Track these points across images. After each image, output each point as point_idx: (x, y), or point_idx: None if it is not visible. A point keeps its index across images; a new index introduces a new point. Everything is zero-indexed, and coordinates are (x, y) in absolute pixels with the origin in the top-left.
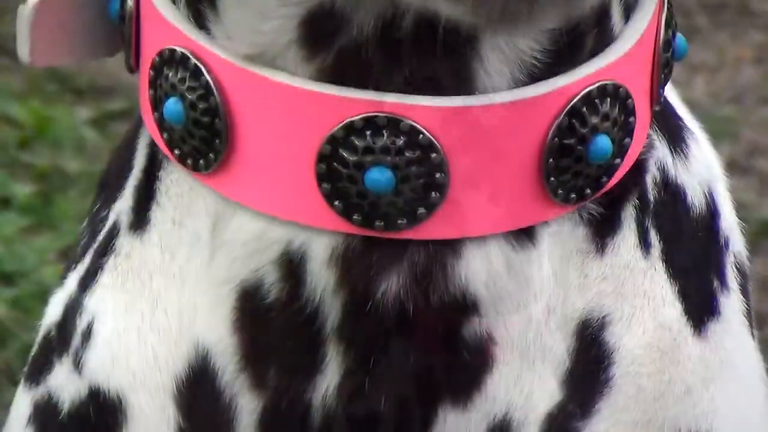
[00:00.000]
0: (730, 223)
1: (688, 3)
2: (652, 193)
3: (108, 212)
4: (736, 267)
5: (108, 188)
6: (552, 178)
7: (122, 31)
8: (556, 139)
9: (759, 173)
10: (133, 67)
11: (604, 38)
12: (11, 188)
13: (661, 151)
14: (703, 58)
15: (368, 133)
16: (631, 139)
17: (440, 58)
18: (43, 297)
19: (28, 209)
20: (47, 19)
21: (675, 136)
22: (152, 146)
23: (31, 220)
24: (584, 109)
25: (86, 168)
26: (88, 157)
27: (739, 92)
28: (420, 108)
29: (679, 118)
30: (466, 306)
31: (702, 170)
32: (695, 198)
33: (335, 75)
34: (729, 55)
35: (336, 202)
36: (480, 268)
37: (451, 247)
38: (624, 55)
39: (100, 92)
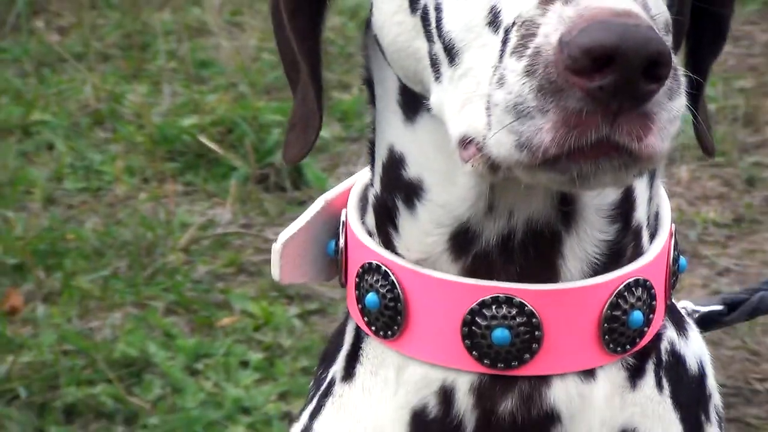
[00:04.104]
0: (713, 383)
1: None
2: (664, 356)
3: (327, 373)
4: (716, 412)
5: (326, 359)
6: (606, 337)
7: (337, 261)
8: (609, 311)
9: None
10: (343, 282)
11: (637, 250)
12: (249, 356)
13: (671, 331)
14: None
15: (494, 307)
16: (654, 315)
17: (537, 259)
18: (268, 423)
19: (260, 368)
20: (290, 252)
21: (680, 324)
22: (357, 329)
23: (261, 375)
24: (626, 293)
25: (296, 344)
26: (295, 338)
27: None
28: (525, 291)
29: (682, 314)
30: (553, 417)
31: (696, 348)
32: (692, 364)
33: (472, 271)
34: None
35: (474, 352)
36: (562, 394)
37: (545, 380)
38: (650, 262)
39: (303, 297)
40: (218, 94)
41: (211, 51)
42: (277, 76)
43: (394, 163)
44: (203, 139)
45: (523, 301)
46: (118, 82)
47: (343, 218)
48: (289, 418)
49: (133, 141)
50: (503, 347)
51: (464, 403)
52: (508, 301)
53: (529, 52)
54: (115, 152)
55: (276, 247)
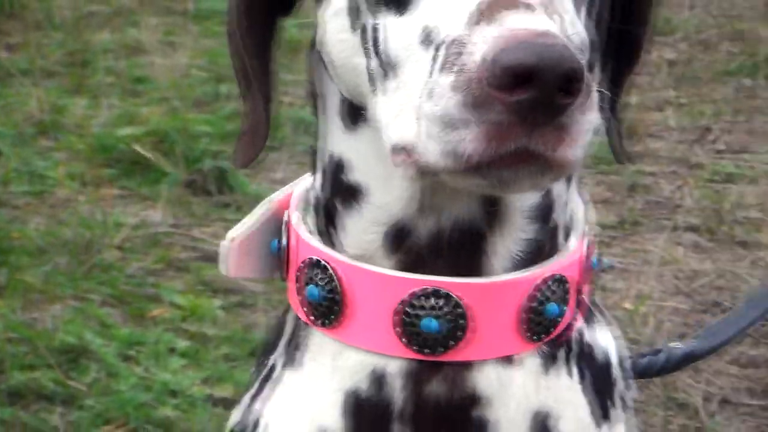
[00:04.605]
0: (618, 372)
1: None
2: (575, 346)
3: (268, 360)
4: (620, 396)
5: (268, 347)
6: (525, 327)
7: (279, 257)
8: (528, 303)
9: None
10: (284, 277)
11: (555, 248)
12: (176, 343)
13: (581, 323)
14: None
15: (423, 298)
16: (567, 308)
17: (464, 255)
18: (193, 404)
19: (186, 355)
20: (238, 249)
21: (590, 317)
22: (296, 319)
23: (187, 361)
24: (543, 287)
25: (219, 333)
26: (219, 327)
27: None
28: (452, 284)
29: (593, 308)
30: (475, 399)
31: (603, 339)
32: (599, 353)
33: (406, 265)
34: None
35: (404, 340)
36: (484, 378)
37: (468, 365)
38: (565, 259)
39: (226, 291)
40: (152, 107)
41: (146, 68)
42: (206, 90)
43: (335, 169)
44: (138, 148)
45: (450, 293)
46: (61, 95)
47: (286, 219)
48: (213, 400)
49: (75, 149)
50: (431, 335)
51: (394, 385)
52: (437, 293)
53: (456, 68)
54: (58, 159)
55: (225, 245)
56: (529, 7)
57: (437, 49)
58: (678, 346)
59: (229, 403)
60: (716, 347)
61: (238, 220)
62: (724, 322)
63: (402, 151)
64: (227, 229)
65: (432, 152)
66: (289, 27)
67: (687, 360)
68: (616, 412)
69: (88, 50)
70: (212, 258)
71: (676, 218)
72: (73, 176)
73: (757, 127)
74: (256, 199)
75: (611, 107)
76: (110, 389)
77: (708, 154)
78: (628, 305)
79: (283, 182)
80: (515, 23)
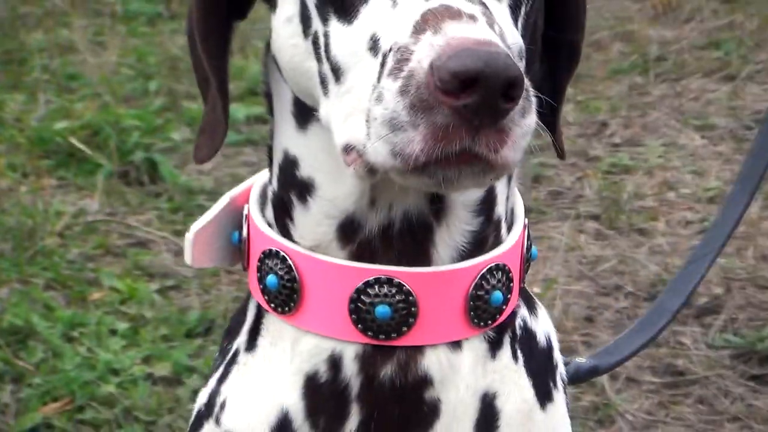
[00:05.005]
0: (558, 355)
1: None
2: (519, 331)
3: (232, 345)
4: (561, 378)
5: (230, 333)
6: (472, 313)
7: (240, 248)
8: (474, 291)
9: None
10: (245, 266)
11: (497, 239)
12: (116, 325)
13: (524, 310)
14: None
15: (377, 286)
16: (511, 295)
17: (413, 246)
18: (134, 382)
19: (126, 336)
20: (200, 241)
21: (531, 305)
22: (258, 307)
23: (127, 341)
24: (488, 276)
25: (156, 315)
26: (156, 310)
27: None
28: (403, 273)
29: (533, 297)
30: (426, 381)
31: (544, 325)
32: (541, 338)
33: (358, 256)
34: None
35: (359, 326)
36: (434, 362)
37: (419, 349)
38: (507, 250)
39: (161, 275)
40: (85, 102)
41: (78, 66)
42: (134, 87)
43: (289, 165)
44: (74, 141)
45: (401, 281)
46: (0, 92)
47: (245, 212)
48: (152, 379)
49: (15, 142)
50: (384, 321)
51: (350, 369)
52: (389, 281)
53: (403, 74)
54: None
55: (188, 237)
56: (471, 17)
57: (385, 56)
58: (584, 362)
59: (167, 381)
60: (619, 362)
61: (169, 209)
62: (627, 336)
63: (352, 150)
64: (160, 217)
65: (380, 153)
66: None
67: (592, 374)
68: (558, 394)
69: (24, 49)
70: (146, 244)
71: (578, 208)
72: (15, 168)
73: (650, 121)
74: (186, 189)
75: (551, 109)
76: (56, 368)
77: (605, 148)
78: (537, 289)
79: (210, 173)
80: (460, 32)
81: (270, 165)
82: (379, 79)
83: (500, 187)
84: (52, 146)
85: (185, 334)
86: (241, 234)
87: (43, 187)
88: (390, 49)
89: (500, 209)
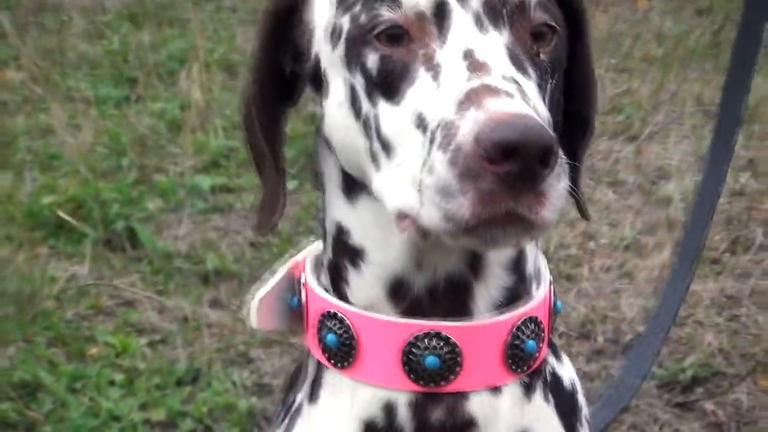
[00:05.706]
0: (582, 398)
1: None
2: (548, 376)
3: (295, 398)
4: (585, 419)
5: (292, 387)
6: (510, 360)
7: (300, 312)
8: (511, 340)
9: None
10: (305, 329)
11: (528, 294)
12: (113, 376)
13: (551, 358)
14: None
15: (425, 340)
16: (542, 344)
17: (455, 301)
18: (134, 428)
19: (123, 386)
20: (263, 306)
21: (556, 353)
22: (317, 363)
23: (125, 391)
24: (523, 327)
25: (148, 367)
26: (147, 362)
27: None
28: (448, 327)
29: (557, 346)
30: (472, 423)
31: (568, 370)
32: (567, 382)
33: (408, 312)
34: None
35: (411, 375)
36: (478, 405)
37: (465, 395)
38: (537, 303)
39: (149, 331)
40: (67, 179)
41: (58, 146)
42: (109, 163)
43: (341, 235)
44: (61, 213)
45: (447, 335)
46: None
47: (302, 280)
48: (150, 423)
49: (9, 216)
50: (434, 370)
51: (404, 414)
52: (437, 335)
53: (452, 147)
54: None
55: (253, 303)
56: (508, 94)
57: (433, 132)
58: None
59: (163, 425)
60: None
61: (150, 271)
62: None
63: (405, 217)
64: (143, 279)
65: (434, 217)
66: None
67: None
68: (583, 431)
69: (8, 132)
70: (133, 304)
71: None
72: (11, 239)
73: None
74: (164, 253)
75: (573, 174)
76: (64, 417)
77: None
78: None
79: (184, 238)
80: (500, 107)
81: (324, 235)
82: (429, 152)
83: (529, 247)
84: (42, 219)
85: (176, 383)
86: (300, 299)
87: (37, 255)
88: (438, 125)
89: (530, 267)
